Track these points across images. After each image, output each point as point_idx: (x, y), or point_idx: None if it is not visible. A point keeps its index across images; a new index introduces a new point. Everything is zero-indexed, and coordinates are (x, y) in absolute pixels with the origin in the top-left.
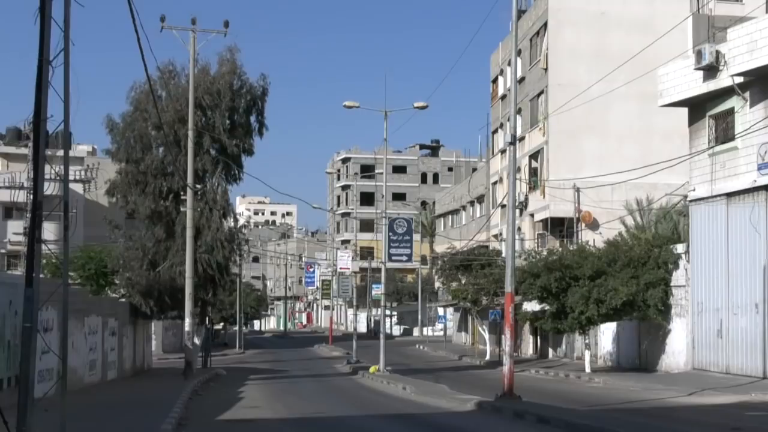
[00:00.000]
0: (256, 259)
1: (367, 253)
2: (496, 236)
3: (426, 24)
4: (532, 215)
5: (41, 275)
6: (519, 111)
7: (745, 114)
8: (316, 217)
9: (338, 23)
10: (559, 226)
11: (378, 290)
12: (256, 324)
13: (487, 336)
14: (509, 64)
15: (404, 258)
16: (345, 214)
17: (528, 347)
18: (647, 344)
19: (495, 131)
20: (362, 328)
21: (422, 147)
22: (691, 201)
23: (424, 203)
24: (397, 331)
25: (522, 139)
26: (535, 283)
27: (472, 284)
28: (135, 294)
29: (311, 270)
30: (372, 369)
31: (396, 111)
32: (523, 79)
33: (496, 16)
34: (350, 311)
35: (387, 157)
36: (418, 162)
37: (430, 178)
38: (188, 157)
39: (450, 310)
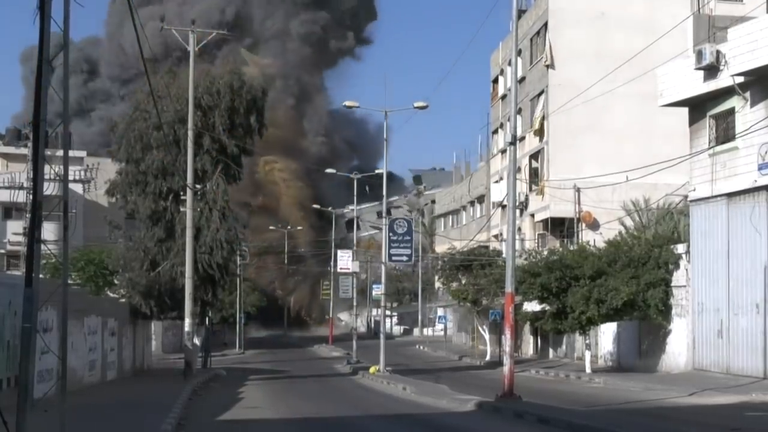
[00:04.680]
0: None
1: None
2: (496, 236)
3: (426, 23)
4: (532, 215)
5: (41, 275)
6: (519, 111)
7: (746, 114)
8: None
9: None
10: (559, 226)
11: (378, 290)
12: None
13: (487, 336)
14: (509, 64)
15: (404, 258)
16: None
17: (528, 347)
18: (647, 344)
19: (495, 131)
20: (362, 327)
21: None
22: (691, 201)
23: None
24: (397, 331)
25: (522, 139)
26: (535, 283)
27: (473, 284)
28: (135, 294)
29: None
30: (372, 369)
31: (396, 111)
32: (523, 78)
33: (496, 16)
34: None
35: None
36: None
37: None
38: (188, 157)
39: (450, 310)
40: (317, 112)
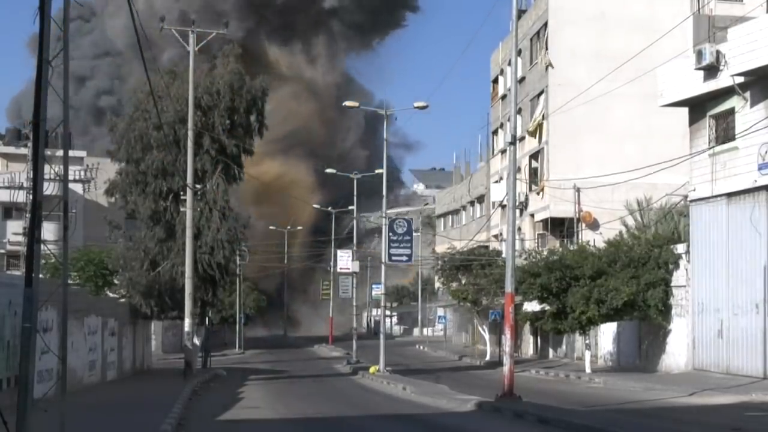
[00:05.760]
0: None
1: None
2: (496, 236)
3: (426, 23)
4: (532, 215)
5: (41, 275)
6: (519, 111)
7: (746, 114)
8: None
9: None
10: (559, 226)
11: (378, 290)
12: None
13: (487, 336)
14: (509, 64)
15: (404, 258)
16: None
17: (528, 347)
18: (647, 344)
19: (495, 131)
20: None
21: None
22: (691, 201)
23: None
24: (397, 331)
25: (522, 139)
26: (535, 283)
27: (472, 284)
28: (135, 294)
29: None
30: (372, 369)
31: (396, 111)
32: (523, 79)
33: (496, 16)
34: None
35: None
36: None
37: None
38: (188, 157)
39: (450, 310)
40: (354, 116)
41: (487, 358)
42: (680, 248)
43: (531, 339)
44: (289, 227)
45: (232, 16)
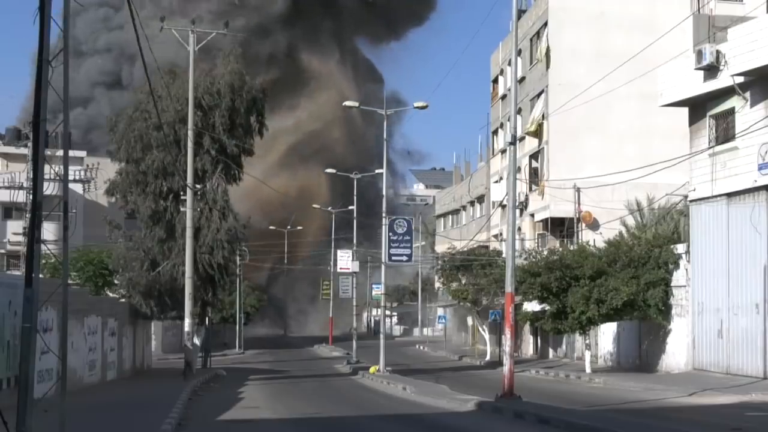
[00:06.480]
0: None
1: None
2: (496, 236)
3: (425, 23)
4: (532, 215)
5: (41, 275)
6: (519, 111)
7: (746, 114)
8: None
9: None
10: (559, 226)
11: (378, 290)
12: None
13: (487, 336)
14: (509, 64)
15: (404, 258)
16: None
17: (528, 347)
18: (647, 344)
19: (495, 131)
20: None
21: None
22: (691, 201)
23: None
24: (397, 331)
25: (522, 139)
26: (535, 283)
27: (472, 284)
28: (135, 294)
29: None
30: (372, 369)
31: (396, 111)
32: (523, 79)
33: (496, 16)
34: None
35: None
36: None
37: None
38: (188, 157)
39: (450, 310)
40: (370, 126)
41: (487, 358)
42: (680, 248)
43: (531, 339)
44: (288, 227)
45: (278, 28)
